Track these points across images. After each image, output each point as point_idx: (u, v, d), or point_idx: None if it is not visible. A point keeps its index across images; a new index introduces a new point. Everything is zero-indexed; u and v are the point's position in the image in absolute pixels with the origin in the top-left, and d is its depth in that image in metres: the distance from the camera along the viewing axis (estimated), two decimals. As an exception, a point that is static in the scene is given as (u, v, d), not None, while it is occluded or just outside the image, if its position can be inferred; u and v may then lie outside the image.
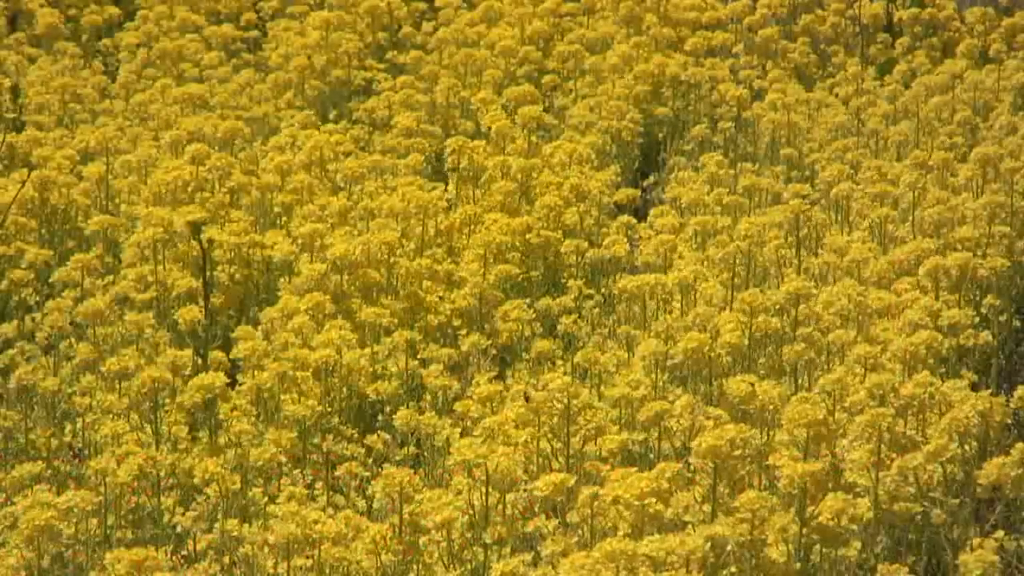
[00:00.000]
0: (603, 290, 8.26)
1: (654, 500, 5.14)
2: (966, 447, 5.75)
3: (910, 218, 8.30)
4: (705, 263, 7.78)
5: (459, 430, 6.43)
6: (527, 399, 5.95)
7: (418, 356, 7.29)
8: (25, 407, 6.90)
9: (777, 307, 7.04)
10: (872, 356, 6.47)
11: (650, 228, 8.61)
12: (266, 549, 5.46)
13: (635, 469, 5.33)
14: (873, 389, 6.00)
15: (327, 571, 5.41)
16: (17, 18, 12.99)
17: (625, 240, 8.52)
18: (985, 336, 7.09)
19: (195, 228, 7.92)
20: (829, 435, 5.68)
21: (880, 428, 5.70)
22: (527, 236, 8.53)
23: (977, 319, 7.16)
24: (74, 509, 5.61)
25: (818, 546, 5.48)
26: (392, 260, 8.02)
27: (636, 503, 5.12)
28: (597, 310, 7.92)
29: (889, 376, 6.10)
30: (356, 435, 6.75)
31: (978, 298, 7.62)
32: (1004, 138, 9.40)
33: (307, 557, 5.41)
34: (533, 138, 9.85)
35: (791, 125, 10.37)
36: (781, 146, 10.28)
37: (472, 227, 8.65)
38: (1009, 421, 5.94)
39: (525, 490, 5.63)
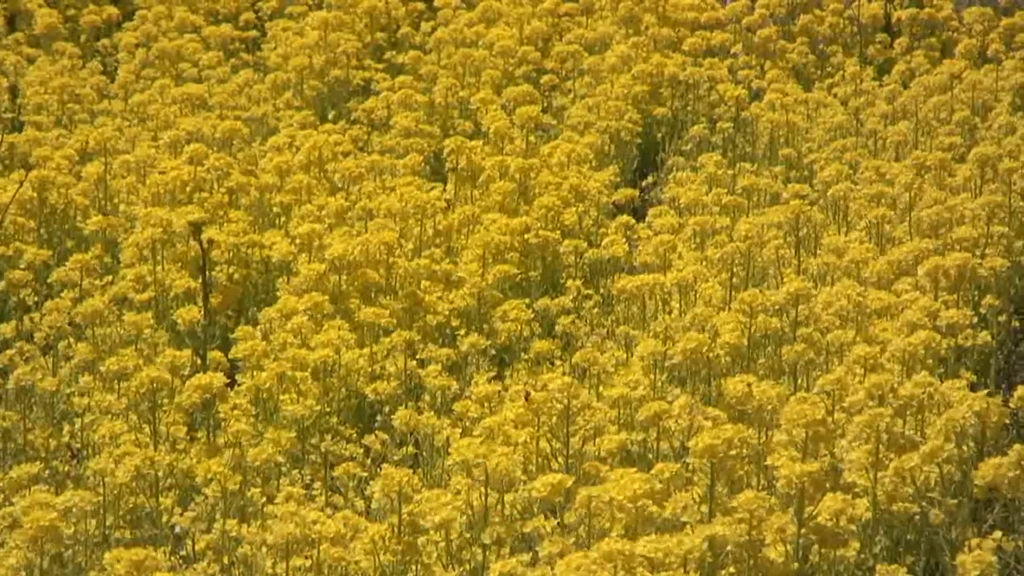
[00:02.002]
0: (602, 290, 8.26)
1: (648, 501, 5.14)
2: (964, 447, 5.75)
3: (908, 218, 8.31)
4: (704, 263, 7.78)
5: (458, 430, 6.43)
6: (527, 397, 5.95)
7: (417, 356, 7.29)
8: (23, 407, 6.90)
9: (777, 307, 7.04)
10: (871, 356, 6.48)
11: (649, 228, 8.61)
12: (264, 549, 5.46)
13: (634, 469, 5.33)
14: (872, 389, 6.00)
15: (326, 571, 5.42)
16: (16, 18, 12.98)
17: (624, 240, 8.52)
18: (984, 336, 7.09)
19: (194, 228, 7.92)
20: (828, 435, 5.68)
21: (879, 428, 5.70)
22: (526, 236, 8.53)
23: (976, 319, 7.16)
24: (73, 509, 5.61)
25: (816, 546, 5.48)
26: (391, 260, 8.02)
27: (629, 505, 5.12)
28: (596, 310, 7.92)
29: (888, 376, 6.10)
30: (355, 435, 6.75)
31: (977, 298, 7.62)
32: (1003, 138, 9.40)
33: (306, 557, 5.41)
34: (531, 138, 9.85)
35: (790, 125, 10.37)
36: (780, 146, 10.28)
37: (471, 227, 8.65)
38: (1007, 421, 5.95)
39: (524, 490, 5.63)
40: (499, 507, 5.63)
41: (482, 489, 5.63)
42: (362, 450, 6.57)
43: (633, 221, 8.79)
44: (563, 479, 5.43)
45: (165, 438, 6.58)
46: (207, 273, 7.90)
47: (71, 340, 7.37)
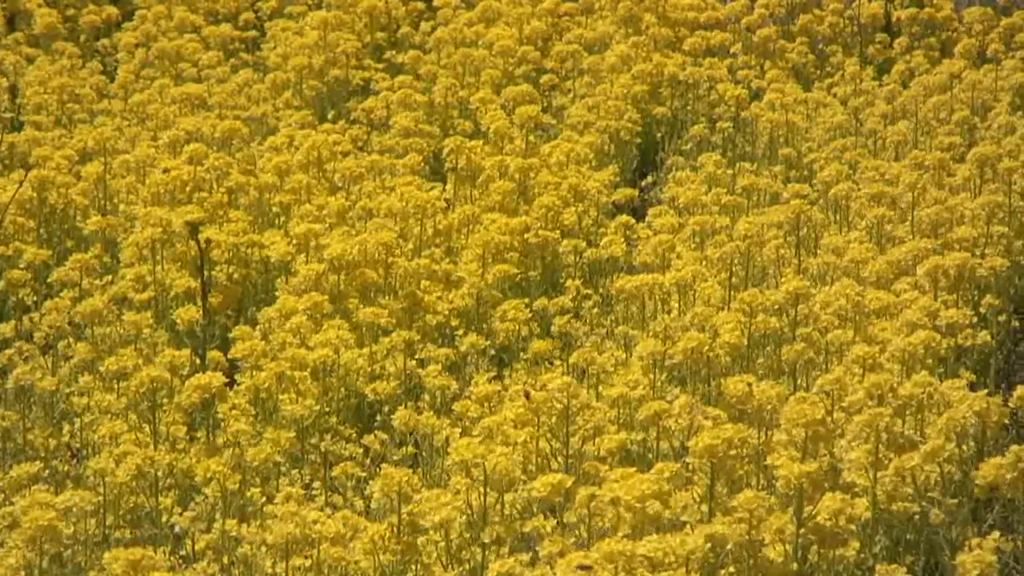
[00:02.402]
0: (601, 290, 8.26)
1: (654, 501, 5.14)
2: (964, 447, 5.75)
3: (908, 218, 8.30)
4: (703, 263, 7.78)
5: (458, 430, 6.43)
6: (527, 396, 5.94)
7: (416, 356, 7.29)
8: (23, 407, 6.90)
9: (776, 307, 7.04)
10: (870, 356, 6.47)
11: (648, 228, 8.60)
12: (264, 549, 5.46)
13: (634, 469, 5.33)
14: (871, 389, 6.00)
15: (325, 571, 5.41)
16: (15, 18, 12.98)
17: (623, 240, 8.52)
18: (983, 336, 7.09)
19: (193, 228, 7.92)
20: (827, 435, 5.68)
21: (878, 428, 5.70)
22: (525, 236, 8.53)
23: (975, 319, 7.16)
24: (73, 509, 5.61)
25: (816, 546, 5.48)
26: (390, 260, 8.02)
27: (636, 505, 5.12)
28: (595, 310, 7.92)
29: (887, 376, 6.10)
30: (354, 435, 6.75)
31: (976, 298, 7.62)
32: (1002, 138, 9.40)
33: (305, 557, 5.41)
34: (531, 138, 9.85)
35: (789, 125, 10.37)
36: (779, 146, 10.28)
37: (470, 227, 8.65)
38: (1007, 421, 5.95)
39: (524, 490, 5.63)
40: (498, 507, 5.63)
41: (481, 489, 5.63)
42: (361, 450, 6.57)
43: (633, 221, 8.79)
44: (563, 479, 5.42)
45: (165, 438, 6.58)
46: (206, 273, 7.90)
47: (71, 340, 7.37)
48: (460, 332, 7.54)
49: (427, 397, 6.98)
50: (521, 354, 7.48)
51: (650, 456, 6.09)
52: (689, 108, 11.35)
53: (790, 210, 8.25)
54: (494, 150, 9.62)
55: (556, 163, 9.42)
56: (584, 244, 8.59)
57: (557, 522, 5.50)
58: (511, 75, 11.48)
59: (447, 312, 7.90)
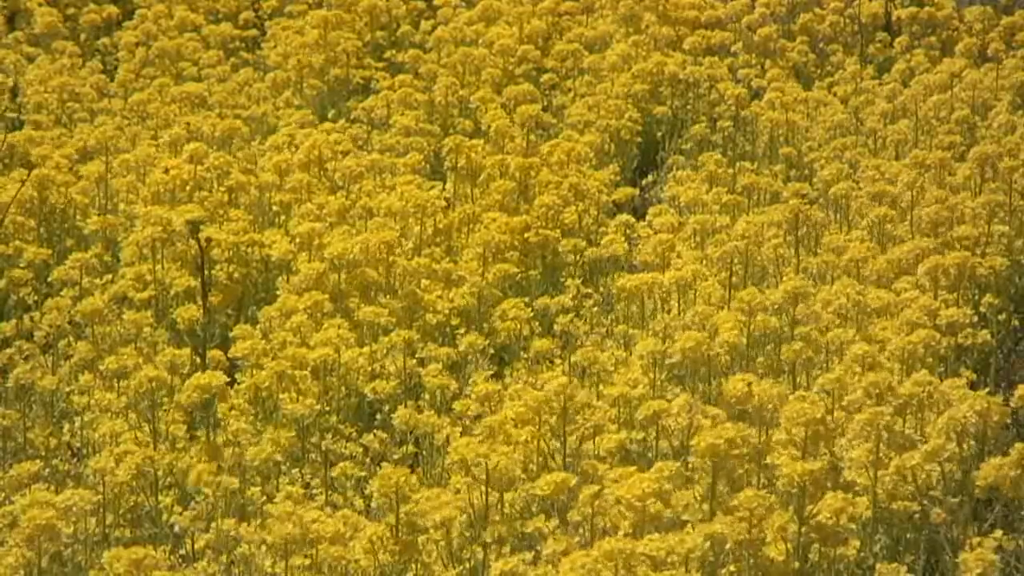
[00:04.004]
0: (601, 289, 8.26)
1: (655, 500, 5.14)
2: (964, 446, 5.75)
3: (909, 217, 8.30)
4: (703, 262, 7.77)
5: (458, 429, 6.42)
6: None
7: (416, 355, 7.29)
8: (23, 406, 6.90)
9: (776, 306, 7.04)
10: (871, 355, 6.47)
11: (648, 227, 8.60)
12: (264, 548, 5.46)
13: (634, 468, 5.33)
14: (872, 388, 6.00)
15: (325, 570, 5.41)
16: (16, 17, 12.98)
17: (623, 239, 8.51)
18: (984, 335, 7.09)
19: (193, 227, 7.92)
20: (828, 434, 5.68)
21: (879, 427, 5.70)
22: (525, 235, 8.53)
23: (976, 318, 7.16)
24: (73, 508, 5.60)
25: (817, 545, 5.48)
26: (390, 259, 8.02)
27: (637, 503, 5.12)
28: (596, 309, 7.92)
29: (888, 375, 6.10)
30: (354, 434, 6.75)
31: (977, 297, 7.62)
32: (1003, 137, 9.40)
33: (305, 556, 5.41)
34: (531, 137, 9.84)
35: (790, 124, 10.36)
36: (780, 145, 10.28)
37: (471, 226, 8.65)
38: (1008, 421, 5.95)
39: (524, 490, 5.63)
40: (499, 506, 5.62)
41: (482, 488, 5.62)
42: (362, 449, 6.57)
43: (633, 220, 8.78)
44: (566, 478, 5.43)
45: (165, 437, 6.58)
46: (206, 272, 7.89)
47: (71, 339, 7.36)
48: (460, 331, 7.54)
49: (427, 396, 6.97)
50: (521, 353, 7.48)
51: (650, 455, 6.09)
52: (689, 107, 11.34)
53: (790, 209, 8.25)
54: (494, 149, 9.61)
55: (556, 162, 9.42)
56: (584, 243, 8.58)
57: (558, 522, 5.50)
58: (511, 74, 11.47)
59: (447, 311, 7.90)
